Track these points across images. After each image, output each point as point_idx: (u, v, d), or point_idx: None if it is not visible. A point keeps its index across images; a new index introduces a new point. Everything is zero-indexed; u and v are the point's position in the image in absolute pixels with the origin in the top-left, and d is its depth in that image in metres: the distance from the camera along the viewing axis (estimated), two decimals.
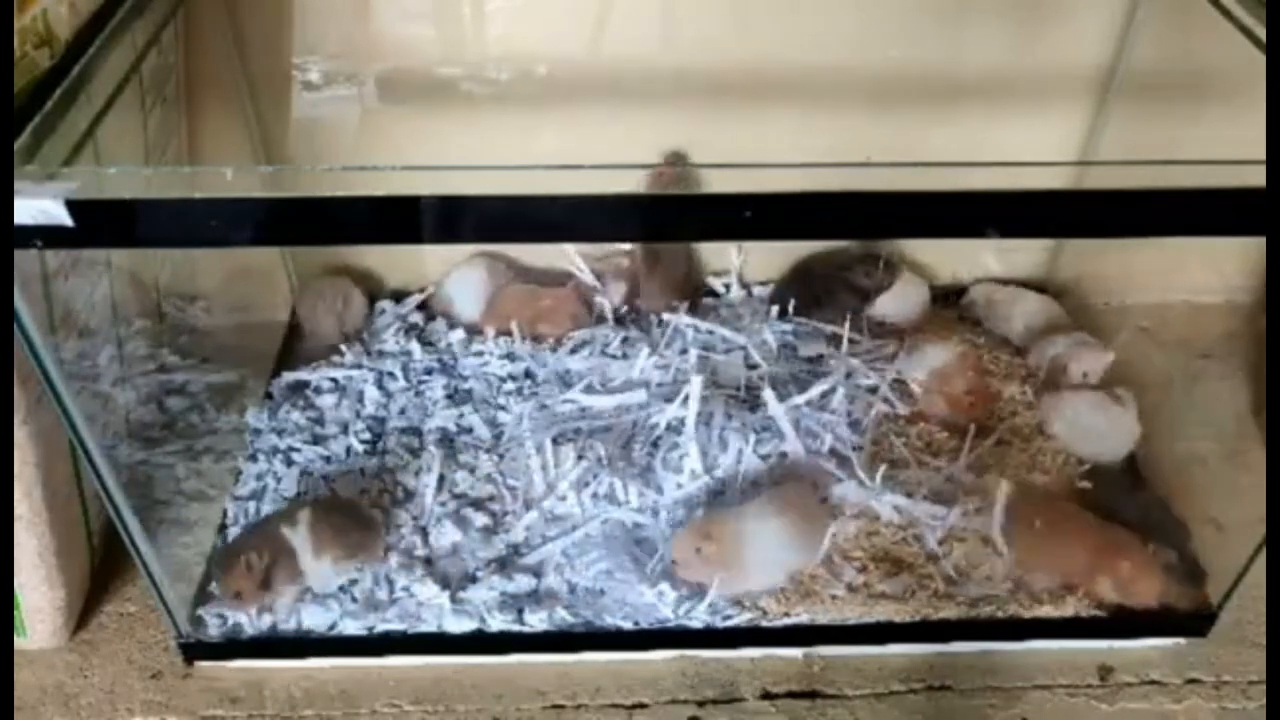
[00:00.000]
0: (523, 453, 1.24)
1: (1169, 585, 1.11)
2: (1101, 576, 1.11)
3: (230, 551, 1.10)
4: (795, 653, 1.13)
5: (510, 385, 1.35)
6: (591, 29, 1.29)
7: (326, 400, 1.33)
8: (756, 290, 1.48)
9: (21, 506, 1.03)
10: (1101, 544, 1.13)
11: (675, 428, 1.26)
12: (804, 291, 1.41)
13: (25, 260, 0.89)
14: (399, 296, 1.47)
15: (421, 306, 1.46)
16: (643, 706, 1.09)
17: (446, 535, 1.17)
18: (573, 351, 1.38)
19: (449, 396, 1.33)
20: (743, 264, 1.48)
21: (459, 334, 1.41)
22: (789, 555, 1.12)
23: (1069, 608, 1.12)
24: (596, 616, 1.11)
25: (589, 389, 1.32)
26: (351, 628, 1.10)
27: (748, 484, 1.21)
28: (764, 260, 1.48)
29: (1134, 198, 0.80)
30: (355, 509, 1.17)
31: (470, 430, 1.29)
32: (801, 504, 1.15)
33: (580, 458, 1.23)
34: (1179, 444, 1.32)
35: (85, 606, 1.16)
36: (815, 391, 1.29)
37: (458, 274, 1.44)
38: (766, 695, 1.10)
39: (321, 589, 1.12)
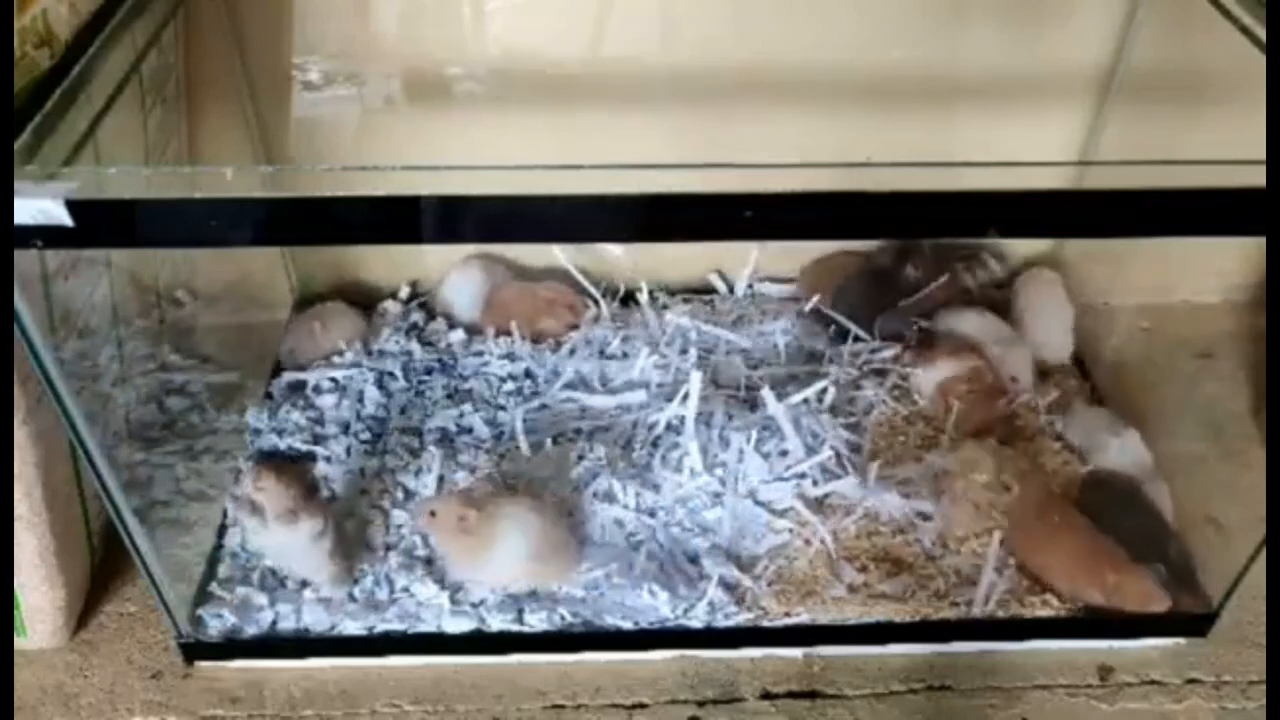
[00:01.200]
0: (522, 453, 1.24)
1: (1156, 597, 1.11)
2: (1089, 586, 1.12)
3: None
4: (795, 653, 1.13)
5: (510, 385, 1.35)
6: (591, 29, 1.29)
7: (326, 400, 1.33)
8: (760, 288, 1.49)
9: (21, 506, 1.03)
10: (1093, 551, 1.13)
11: (675, 427, 1.26)
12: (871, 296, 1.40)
13: (25, 260, 0.89)
14: (395, 293, 1.48)
15: (422, 306, 1.46)
16: (643, 706, 1.09)
17: None
18: (572, 352, 1.38)
19: (449, 396, 1.33)
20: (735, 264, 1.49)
21: (459, 334, 1.41)
22: (529, 560, 1.10)
23: (1068, 608, 1.12)
24: (596, 616, 1.11)
25: (589, 389, 1.32)
26: (351, 628, 1.10)
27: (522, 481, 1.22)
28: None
29: (1134, 198, 0.80)
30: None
31: (470, 430, 1.29)
32: (551, 522, 1.14)
33: (580, 458, 1.23)
34: (1179, 444, 1.32)
35: (85, 606, 1.16)
36: (814, 390, 1.28)
37: (454, 277, 1.44)
38: (766, 695, 1.10)
39: (312, 576, 1.12)
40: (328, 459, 1.25)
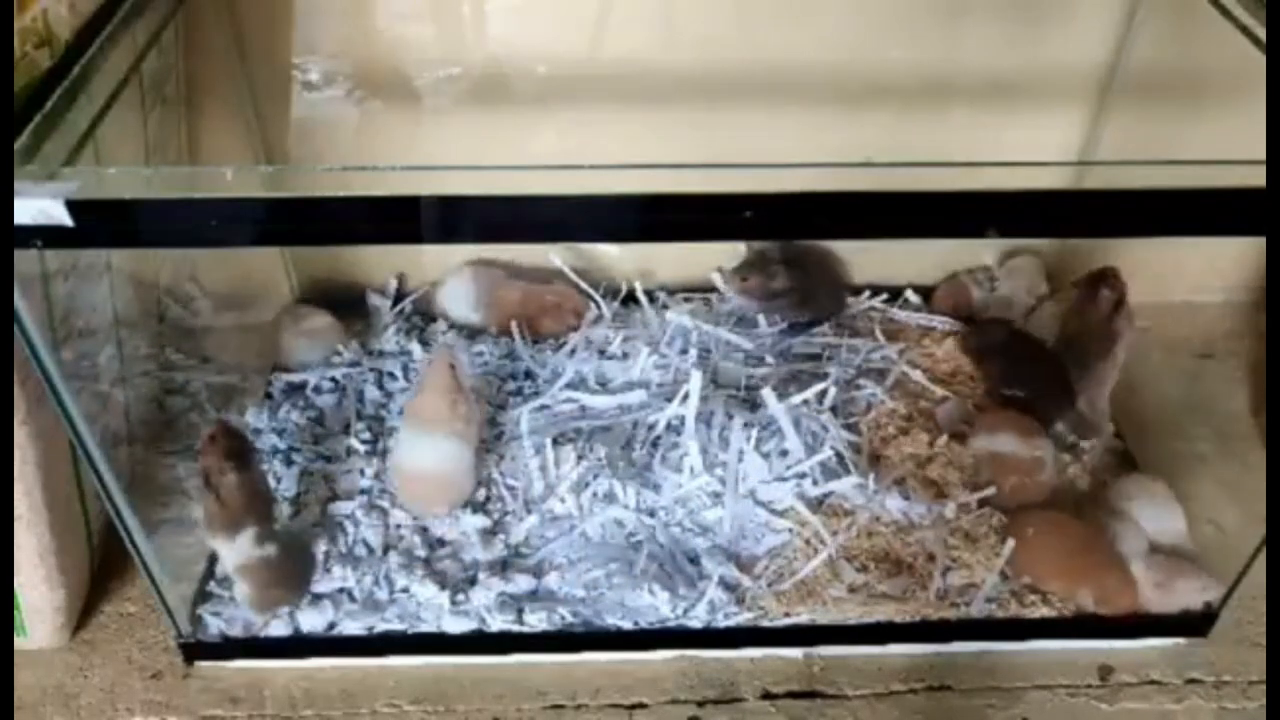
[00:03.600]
0: (523, 453, 1.24)
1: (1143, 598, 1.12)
2: (1083, 588, 1.12)
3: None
4: (795, 653, 1.13)
5: (510, 385, 1.35)
6: (591, 29, 1.29)
7: (326, 400, 1.33)
8: None
9: (21, 506, 1.03)
10: (1087, 555, 1.14)
11: (675, 427, 1.26)
12: None
13: (25, 260, 0.89)
14: (397, 298, 1.48)
15: (421, 311, 1.46)
16: (643, 706, 1.09)
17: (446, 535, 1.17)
18: (572, 352, 1.38)
19: None
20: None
21: (457, 334, 1.41)
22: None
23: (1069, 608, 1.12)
24: (596, 616, 1.11)
25: (589, 389, 1.32)
26: (351, 628, 1.10)
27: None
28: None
29: (1134, 198, 0.80)
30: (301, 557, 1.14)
31: None
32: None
33: (580, 458, 1.23)
34: (1179, 444, 1.32)
35: (85, 606, 1.16)
36: (814, 390, 1.28)
37: (449, 284, 1.43)
38: (766, 695, 1.10)
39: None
40: (327, 459, 1.25)
